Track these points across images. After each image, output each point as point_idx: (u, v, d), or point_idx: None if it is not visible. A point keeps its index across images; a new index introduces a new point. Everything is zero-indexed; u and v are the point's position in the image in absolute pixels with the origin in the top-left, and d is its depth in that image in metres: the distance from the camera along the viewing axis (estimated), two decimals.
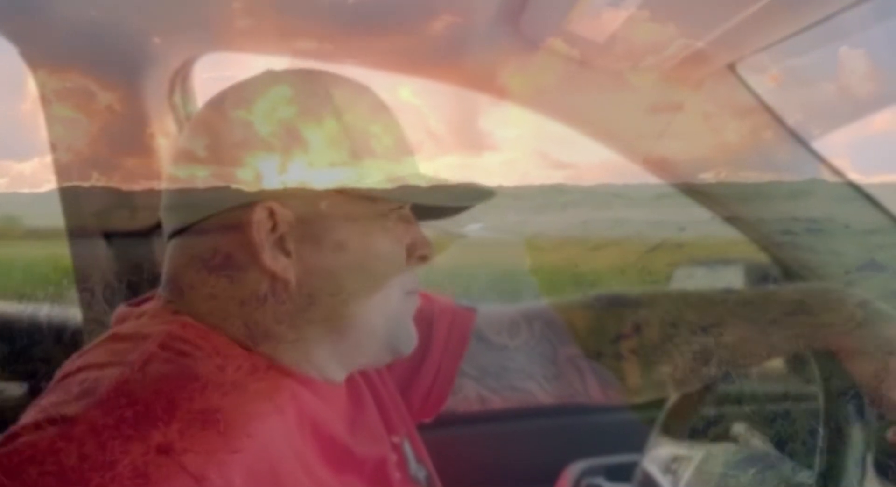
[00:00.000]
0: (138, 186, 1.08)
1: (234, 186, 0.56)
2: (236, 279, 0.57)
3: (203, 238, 0.57)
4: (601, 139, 1.15)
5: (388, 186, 0.58)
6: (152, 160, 1.10)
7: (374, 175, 0.57)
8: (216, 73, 1.14)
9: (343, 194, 0.57)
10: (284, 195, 0.56)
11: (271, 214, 0.56)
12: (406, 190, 0.59)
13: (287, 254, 0.56)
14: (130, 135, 1.10)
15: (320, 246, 0.57)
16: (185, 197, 0.58)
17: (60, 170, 1.11)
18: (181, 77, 1.14)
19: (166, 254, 0.61)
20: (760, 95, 1.09)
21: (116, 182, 1.09)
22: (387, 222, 0.60)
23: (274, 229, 0.56)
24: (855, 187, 1.11)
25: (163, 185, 0.62)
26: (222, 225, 0.57)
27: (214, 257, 0.57)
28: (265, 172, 0.56)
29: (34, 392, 0.53)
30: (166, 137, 1.11)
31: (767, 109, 1.10)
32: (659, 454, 1.15)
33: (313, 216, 0.57)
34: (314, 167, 0.56)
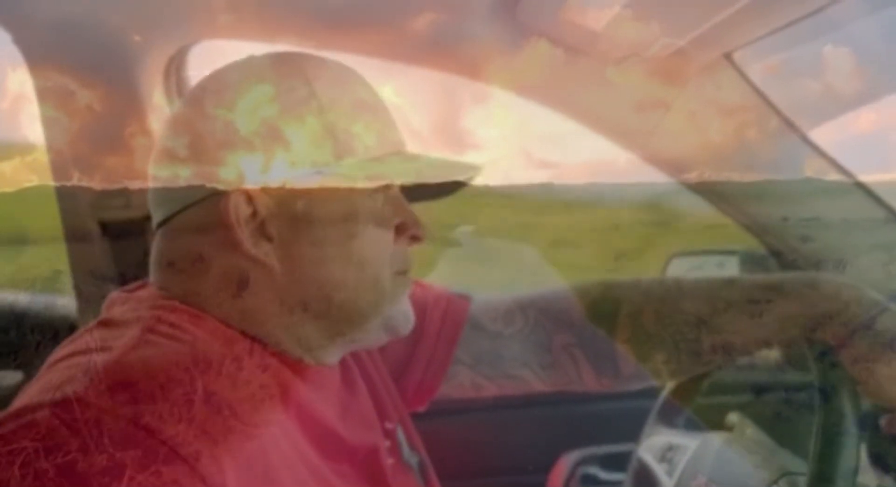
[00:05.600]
0: (131, 183, 1.09)
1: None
2: (221, 267, 0.56)
3: (185, 228, 0.58)
4: (600, 131, 1.15)
5: (371, 183, 0.58)
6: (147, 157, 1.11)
7: (356, 174, 0.57)
8: (200, 69, 1.15)
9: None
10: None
11: (249, 199, 0.55)
12: (388, 168, 0.59)
13: (269, 239, 0.56)
14: (123, 131, 1.10)
15: (303, 229, 0.57)
16: (165, 189, 0.58)
17: (56, 166, 1.12)
18: (174, 69, 1.14)
19: (153, 244, 0.61)
20: (757, 85, 1.09)
21: (110, 178, 1.10)
22: (373, 203, 0.60)
23: (254, 214, 0.56)
24: (856, 183, 1.11)
25: (149, 183, 0.62)
26: (203, 214, 0.57)
27: (198, 246, 0.57)
28: (247, 171, 0.55)
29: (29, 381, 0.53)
30: (157, 131, 1.11)
31: (766, 100, 1.10)
32: (654, 443, 1.15)
33: (293, 200, 0.56)
34: (296, 166, 0.56)
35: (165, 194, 0.58)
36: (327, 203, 0.57)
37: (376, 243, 0.60)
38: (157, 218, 0.60)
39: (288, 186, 0.56)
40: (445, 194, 0.67)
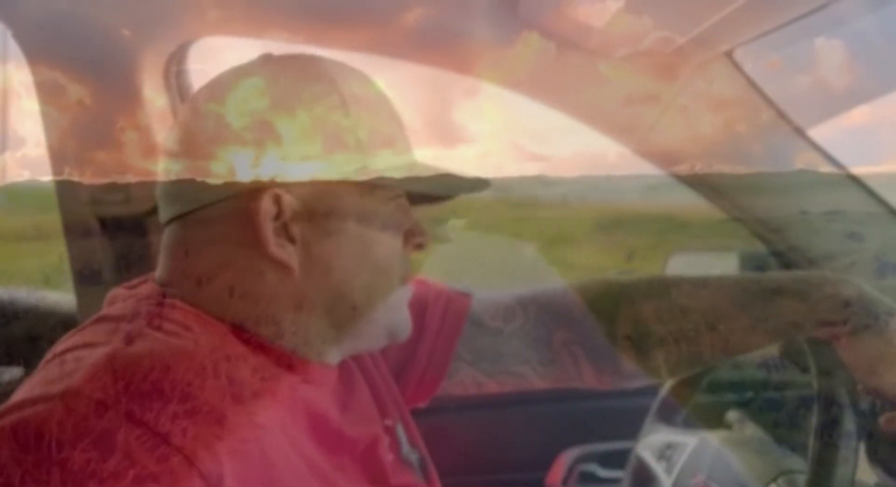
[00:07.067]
0: (125, 179, 1.09)
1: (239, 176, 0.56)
2: (239, 265, 0.56)
3: (204, 224, 0.57)
4: (598, 127, 1.15)
5: (362, 178, 0.58)
6: (149, 151, 1.11)
7: (346, 168, 0.57)
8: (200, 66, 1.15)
9: (347, 182, 0.57)
10: (288, 182, 0.56)
11: (276, 200, 0.56)
12: (412, 180, 0.60)
13: (292, 241, 0.57)
14: (119, 127, 1.10)
15: (323, 233, 0.57)
16: (185, 184, 0.58)
17: (55, 162, 1.12)
18: (174, 66, 1.14)
19: (163, 239, 0.61)
20: (757, 83, 1.09)
21: (110, 173, 1.10)
22: (388, 210, 0.60)
23: (278, 215, 0.56)
24: (853, 178, 1.11)
25: (159, 177, 0.61)
26: (223, 212, 0.57)
27: (216, 243, 0.57)
28: (238, 166, 0.56)
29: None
30: (154, 127, 1.12)
31: (766, 97, 1.10)
32: (653, 440, 1.16)
33: (317, 204, 0.57)
34: (287, 161, 0.56)
35: (181, 190, 0.58)
36: (348, 208, 0.58)
37: (390, 250, 0.61)
38: (168, 214, 0.60)
39: (279, 180, 0.56)
40: (444, 199, 0.67)
